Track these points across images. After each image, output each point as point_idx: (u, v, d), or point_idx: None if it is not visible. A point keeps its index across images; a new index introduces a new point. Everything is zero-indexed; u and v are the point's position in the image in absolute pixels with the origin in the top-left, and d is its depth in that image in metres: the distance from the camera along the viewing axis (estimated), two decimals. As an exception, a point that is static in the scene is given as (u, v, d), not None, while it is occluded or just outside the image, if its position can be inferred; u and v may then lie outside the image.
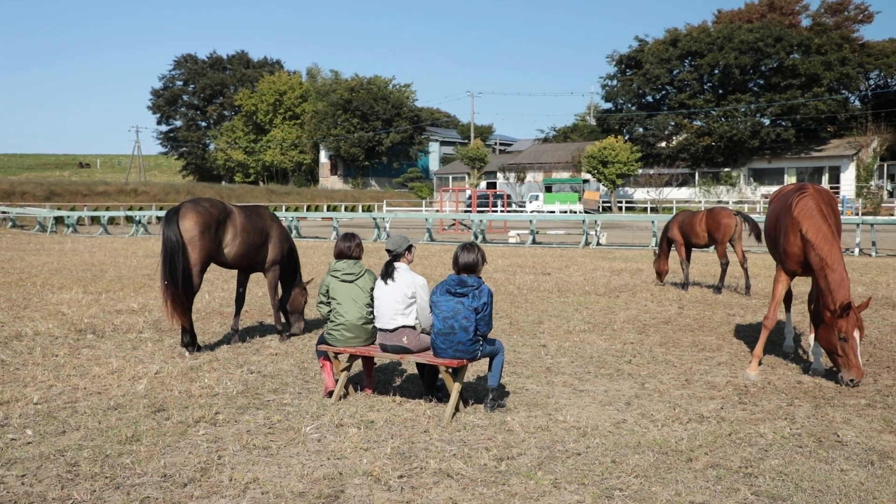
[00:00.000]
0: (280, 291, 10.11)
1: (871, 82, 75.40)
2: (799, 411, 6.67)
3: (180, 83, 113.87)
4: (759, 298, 13.58)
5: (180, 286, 8.51)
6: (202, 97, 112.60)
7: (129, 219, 46.80)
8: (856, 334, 7.31)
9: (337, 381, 6.97)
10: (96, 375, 7.72)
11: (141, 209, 52.69)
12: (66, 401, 6.81)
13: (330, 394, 6.94)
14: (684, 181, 72.54)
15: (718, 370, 8.25)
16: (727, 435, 5.98)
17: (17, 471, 5.10)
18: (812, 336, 8.79)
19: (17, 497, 4.68)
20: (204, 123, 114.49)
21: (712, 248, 15.33)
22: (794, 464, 5.34)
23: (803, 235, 7.75)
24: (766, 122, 69.76)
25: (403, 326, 6.72)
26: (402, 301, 6.71)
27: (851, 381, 7.34)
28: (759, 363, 8.13)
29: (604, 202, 70.35)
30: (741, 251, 14.61)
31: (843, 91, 69.59)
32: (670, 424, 6.25)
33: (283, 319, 10.07)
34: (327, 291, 7.06)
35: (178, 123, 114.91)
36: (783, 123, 68.67)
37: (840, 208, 54.72)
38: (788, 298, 9.58)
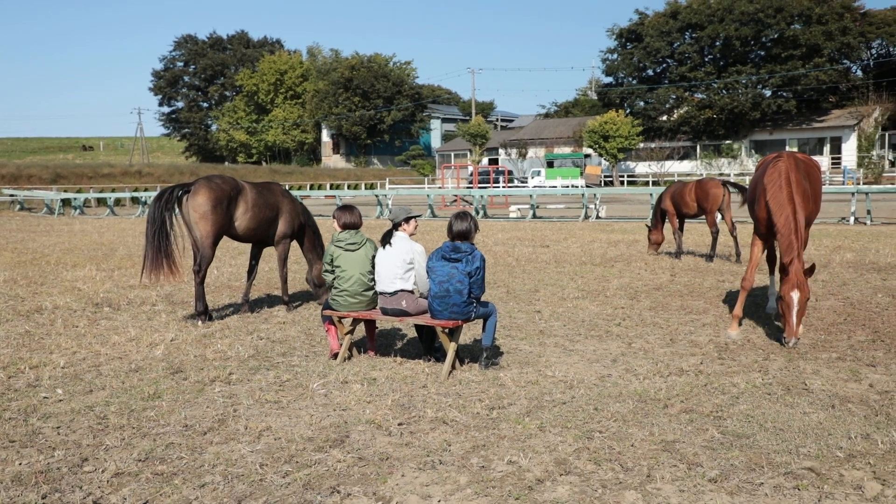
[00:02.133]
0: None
1: (873, 52, 75.23)
2: (773, 364, 7.15)
3: (181, 64, 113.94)
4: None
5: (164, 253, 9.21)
6: (203, 78, 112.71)
7: (134, 200, 47.36)
8: (794, 295, 7.64)
9: (341, 343, 7.46)
10: (116, 343, 8.24)
11: (146, 190, 53.31)
12: (91, 365, 7.33)
13: (335, 356, 7.44)
14: (686, 154, 72.74)
15: (703, 330, 8.73)
16: (703, 385, 6.46)
17: (52, 423, 5.62)
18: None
19: (55, 444, 5.20)
20: (205, 104, 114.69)
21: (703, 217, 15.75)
22: (760, 408, 5.82)
23: (766, 201, 8.18)
24: (768, 93, 69.85)
25: (402, 290, 7.21)
26: (402, 266, 7.20)
27: (785, 339, 7.73)
28: (740, 323, 8.59)
29: (605, 176, 70.65)
30: (730, 220, 15.05)
31: (845, 61, 69.59)
32: (651, 378, 6.74)
33: (288, 291, 10.58)
34: (332, 260, 7.53)
35: (180, 105, 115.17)
36: (784, 95, 68.78)
37: (842, 178, 55.12)
38: (773, 262, 10.02)
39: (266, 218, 9.92)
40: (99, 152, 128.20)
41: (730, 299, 10.68)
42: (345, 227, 7.65)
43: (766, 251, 9.01)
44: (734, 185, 15.16)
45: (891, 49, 73.53)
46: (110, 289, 12.17)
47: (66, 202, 44.75)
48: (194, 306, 9.52)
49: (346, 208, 7.77)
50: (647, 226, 16.60)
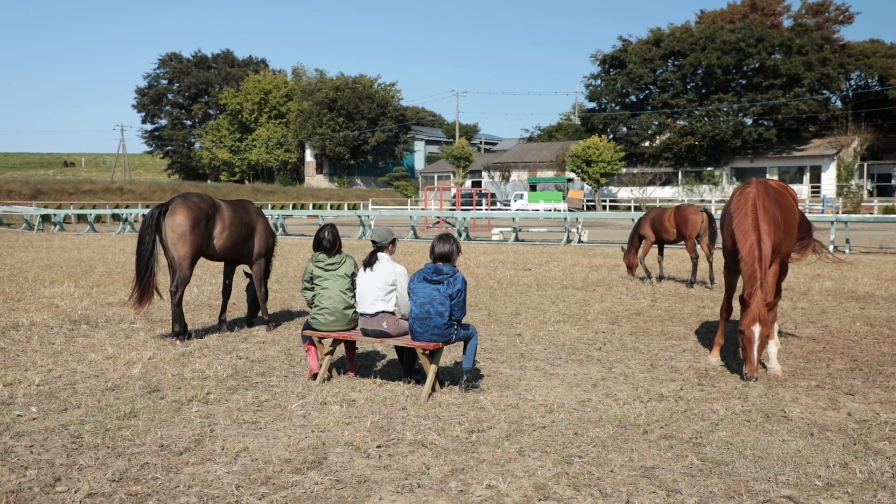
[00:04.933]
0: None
1: (852, 83, 76.57)
2: (752, 391, 7.17)
3: (165, 82, 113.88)
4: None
5: (151, 277, 9.08)
6: (187, 96, 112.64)
7: (115, 217, 46.93)
8: (755, 328, 7.36)
9: (321, 364, 7.41)
10: (93, 361, 8.13)
11: (127, 207, 52.97)
12: (66, 383, 7.23)
13: (314, 376, 7.38)
14: (668, 180, 73.30)
15: (683, 356, 8.75)
16: (683, 411, 6.46)
17: (25, 442, 5.53)
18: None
19: (27, 463, 5.11)
20: (189, 122, 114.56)
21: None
22: (740, 435, 5.83)
23: (732, 229, 7.94)
24: (749, 121, 70.66)
25: (383, 312, 7.19)
26: (383, 288, 7.18)
27: (745, 374, 7.47)
28: (720, 350, 8.61)
29: (588, 201, 71.00)
30: (707, 246, 15.14)
31: (824, 91, 70.59)
32: (631, 403, 6.74)
33: (269, 311, 10.51)
34: (311, 278, 7.51)
35: (163, 122, 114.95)
36: (765, 123, 69.57)
37: (821, 207, 55.66)
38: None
39: (241, 236, 9.89)
40: (80, 169, 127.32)
41: (710, 325, 10.73)
42: (320, 247, 7.64)
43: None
44: (710, 214, 15.26)
45: (869, 81, 74.83)
46: (88, 306, 12.05)
47: (45, 218, 44.34)
48: (171, 327, 9.41)
49: (326, 229, 7.76)
50: (622, 249, 16.65)
